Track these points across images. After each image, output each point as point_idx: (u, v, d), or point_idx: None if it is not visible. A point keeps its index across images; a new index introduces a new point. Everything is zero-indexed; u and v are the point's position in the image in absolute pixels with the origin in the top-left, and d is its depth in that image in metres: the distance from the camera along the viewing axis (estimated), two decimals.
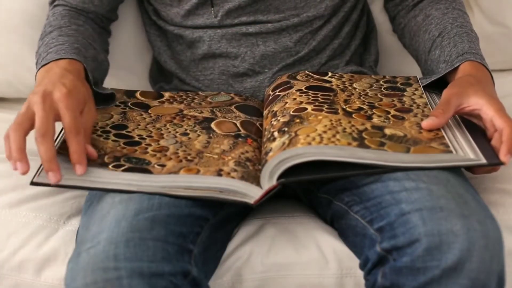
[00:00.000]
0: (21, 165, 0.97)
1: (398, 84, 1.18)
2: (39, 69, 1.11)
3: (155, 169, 1.01)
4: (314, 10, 1.25)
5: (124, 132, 1.10)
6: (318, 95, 1.14)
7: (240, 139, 1.09)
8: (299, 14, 1.24)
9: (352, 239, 1.05)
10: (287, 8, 1.24)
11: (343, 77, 1.20)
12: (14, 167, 0.97)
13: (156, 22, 1.31)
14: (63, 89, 1.01)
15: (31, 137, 1.33)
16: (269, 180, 0.98)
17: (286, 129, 1.05)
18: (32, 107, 0.99)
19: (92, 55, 1.17)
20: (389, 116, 1.08)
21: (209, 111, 1.16)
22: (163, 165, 1.02)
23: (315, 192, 1.13)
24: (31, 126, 0.99)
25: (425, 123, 1.05)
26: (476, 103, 1.05)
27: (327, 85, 1.17)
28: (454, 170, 1.03)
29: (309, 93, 1.14)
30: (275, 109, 1.13)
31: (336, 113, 1.08)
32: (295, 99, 1.13)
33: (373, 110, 1.09)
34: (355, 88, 1.16)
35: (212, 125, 1.12)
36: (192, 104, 1.18)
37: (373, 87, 1.17)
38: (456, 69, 1.15)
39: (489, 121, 1.04)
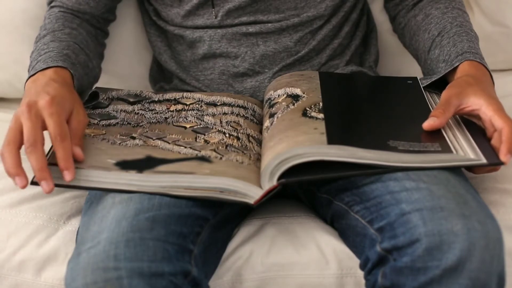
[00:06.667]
0: (19, 180, 0.97)
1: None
2: (27, 79, 1.11)
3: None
4: (314, 10, 1.25)
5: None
6: None
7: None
8: (299, 14, 1.24)
9: (352, 239, 1.05)
10: (287, 8, 1.24)
11: None
12: (14, 182, 0.98)
13: (156, 22, 1.31)
14: (46, 96, 1.01)
15: None
16: (269, 181, 0.98)
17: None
18: (19, 119, 0.99)
19: (82, 61, 1.17)
20: None
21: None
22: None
23: (315, 192, 1.13)
24: (22, 139, 0.98)
25: (426, 124, 1.05)
26: (475, 103, 1.05)
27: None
28: (454, 170, 1.03)
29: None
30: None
31: None
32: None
33: None
34: None
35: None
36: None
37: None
38: (455, 68, 1.15)
39: (488, 121, 1.04)
